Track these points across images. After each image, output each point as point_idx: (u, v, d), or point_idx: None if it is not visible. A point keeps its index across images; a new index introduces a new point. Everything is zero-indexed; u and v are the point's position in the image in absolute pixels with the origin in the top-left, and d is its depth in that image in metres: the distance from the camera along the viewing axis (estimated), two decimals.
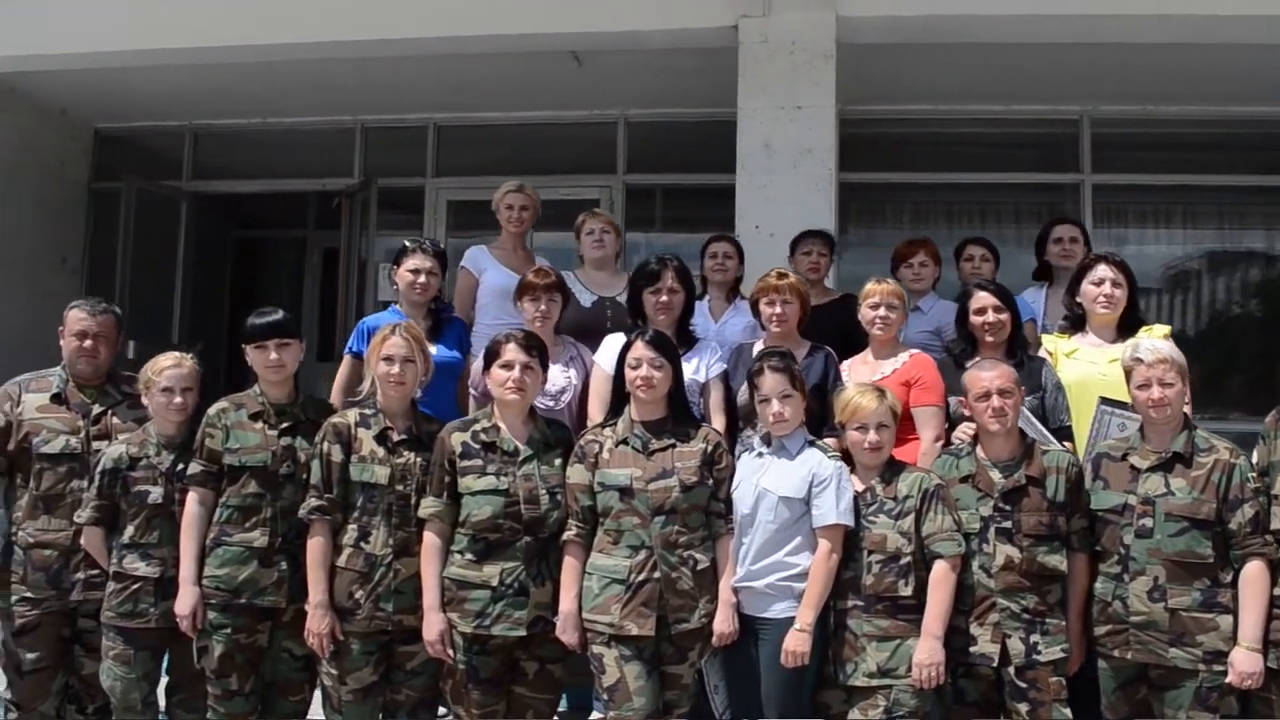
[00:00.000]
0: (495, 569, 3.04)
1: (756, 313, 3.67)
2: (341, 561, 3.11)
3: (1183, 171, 6.80)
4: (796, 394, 3.08)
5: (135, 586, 3.26)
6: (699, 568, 3.03)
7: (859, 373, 3.56)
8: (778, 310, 3.56)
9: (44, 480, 3.44)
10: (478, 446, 3.12)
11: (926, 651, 2.88)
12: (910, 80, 6.32)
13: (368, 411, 3.23)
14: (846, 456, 3.11)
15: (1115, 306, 3.62)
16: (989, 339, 3.55)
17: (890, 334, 3.59)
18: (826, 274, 4.50)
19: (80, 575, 3.40)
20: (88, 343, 3.53)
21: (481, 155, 7.31)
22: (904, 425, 3.29)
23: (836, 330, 3.84)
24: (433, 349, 3.50)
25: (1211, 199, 6.87)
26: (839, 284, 4.85)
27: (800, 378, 3.15)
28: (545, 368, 3.28)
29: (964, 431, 3.32)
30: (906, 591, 2.95)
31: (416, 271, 3.90)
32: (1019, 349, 3.58)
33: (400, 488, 3.14)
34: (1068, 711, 2.95)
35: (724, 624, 3.02)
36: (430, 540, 3.09)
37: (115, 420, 3.53)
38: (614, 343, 3.52)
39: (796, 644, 2.90)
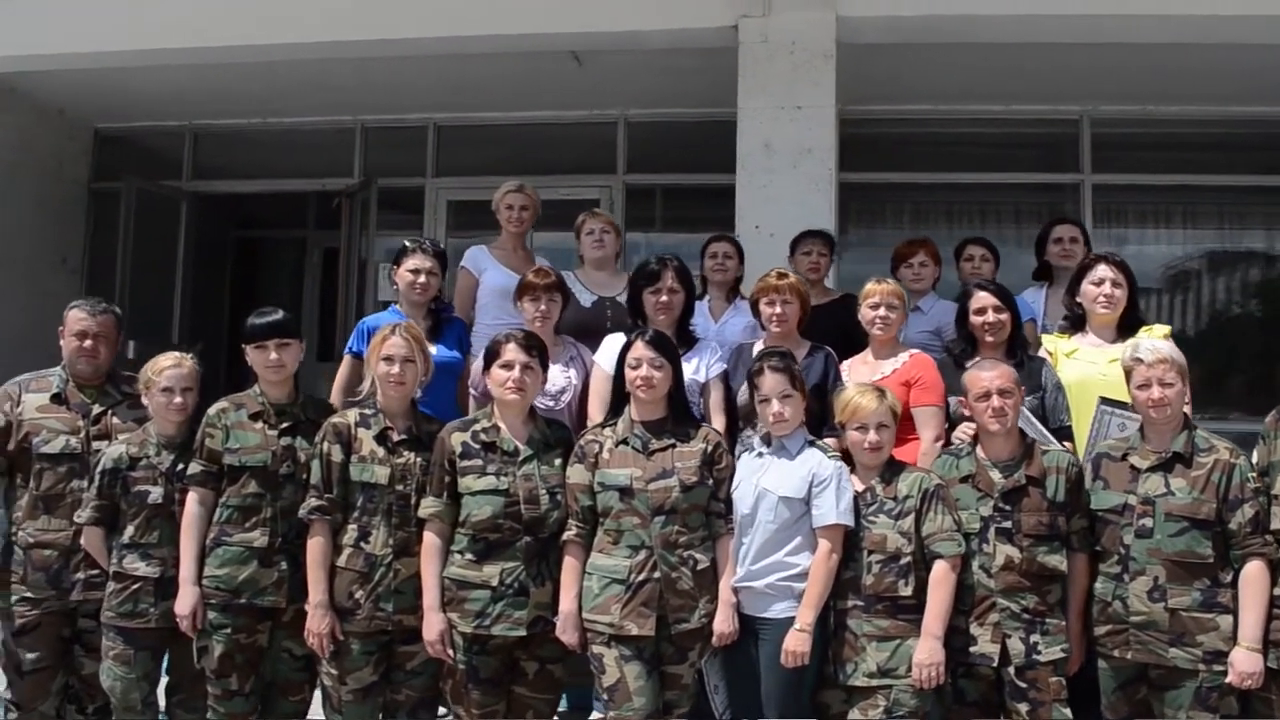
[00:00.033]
0: (495, 569, 3.04)
1: (756, 313, 3.67)
2: (341, 561, 3.11)
3: (1183, 171, 6.81)
4: (796, 394, 3.08)
5: (135, 586, 3.26)
6: (699, 568, 3.03)
7: (859, 373, 3.56)
8: (778, 310, 3.56)
9: (44, 480, 3.44)
10: (478, 446, 3.12)
11: (926, 651, 2.88)
12: (910, 80, 6.32)
13: (368, 411, 3.23)
14: (846, 456, 3.11)
15: (1115, 306, 3.63)
16: (989, 339, 3.55)
17: (890, 334, 3.59)
18: (826, 274, 4.50)
19: (80, 575, 3.40)
20: (88, 343, 3.52)
21: (481, 155, 7.31)
22: (904, 425, 3.29)
23: (836, 330, 3.84)
24: (433, 349, 3.50)
25: (1211, 199, 6.88)
26: (838, 284, 4.85)
27: (800, 378, 3.15)
28: (545, 368, 3.28)
29: (964, 431, 3.32)
30: (906, 591, 2.95)
31: (416, 271, 3.89)
32: (1019, 349, 3.59)
33: (400, 488, 3.14)
34: (1068, 711, 2.95)
35: (724, 624, 3.01)
36: (430, 540, 3.09)
37: (115, 420, 3.52)
38: (614, 343, 3.52)
39: (797, 644, 2.90)
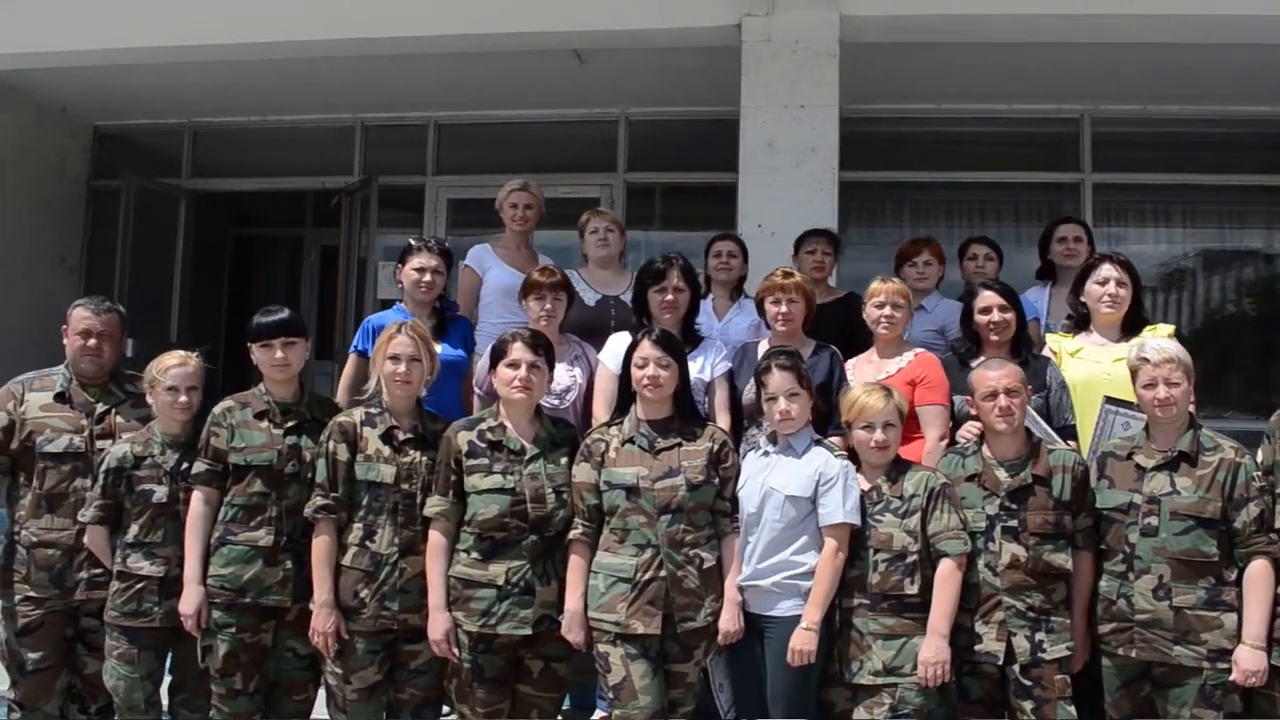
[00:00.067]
0: (501, 568, 3.04)
1: (762, 311, 3.67)
2: (347, 560, 3.11)
3: (1183, 171, 6.83)
4: (803, 392, 3.08)
5: (139, 586, 3.25)
6: (705, 566, 3.03)
7: (864, 371, 3.57)
8: (783, 309, 3.56)
9: (47, 479, 3.43)
10: (484, 445, 3.11)
11: (932, 650, 2.89)
12: (911, 79, 6.33)
13: (373, 410, 3.22)
14: (852, 455, 3.11)
15: (1120, 306, 3.64)
16: (994, 338, 3.56)
17: (895, 333, 3.59)
18: (831, 273, 4.51)
19: (83, 574, 3.38)
20: (92, 341, 3.51)
21: (482, 154, 7.32)
22: (909, 424, 3.29)
23: (839, 329, 3.84)
24: (438, 348, 3.49)
25: (1211, 198, 6.90)
26: (838, 283, 4.86)
27: (807, 376, 3.15)
28: (551, 367, 3.28)
29: (969, 430, 3.33)
30: (912, 590, 2.95)
31: (422, 270, 3.89)
32: (1024, 348, 3.59)
33: (406, 486, 3.14)
34: (1072, 709, 2.96)
35: (729, 622, 3.01)
36: (435, 539, 3.08)
37: (119, 419, 3.51)
38: (619, 342, 3.52)
39: (803, 642, 2.91)
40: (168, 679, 3.38)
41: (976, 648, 2.98)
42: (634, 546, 3.01)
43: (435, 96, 7.05)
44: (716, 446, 3.12)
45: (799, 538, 3.01)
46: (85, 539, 3.35)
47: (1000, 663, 2.97)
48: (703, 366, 3.62)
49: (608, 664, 3.00)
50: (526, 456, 3.12)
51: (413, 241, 4.01)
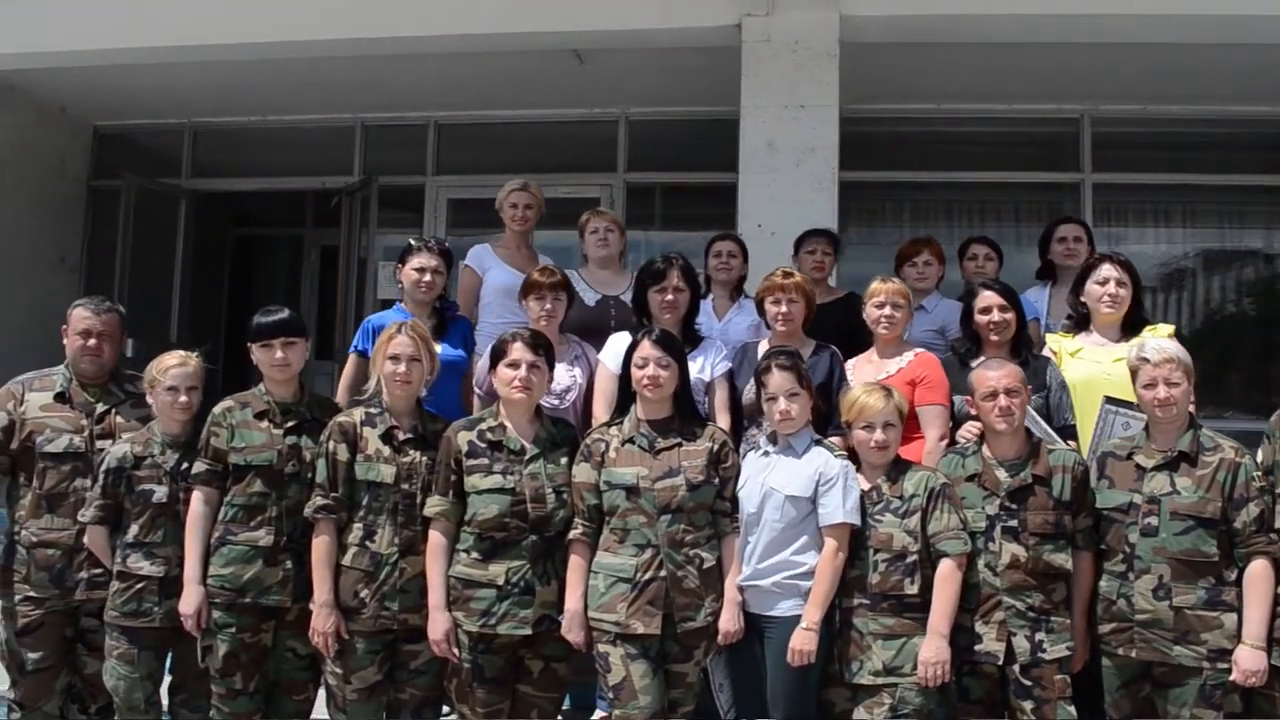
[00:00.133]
0: (501, 568, 3.04)
1: (762, 311, 3.67)
2: (347, 560, 3.11)
3: (1182, 171, 6.83)
4: (804, 392, 3.08)
5: (139, 586, 3.25)
6: (705, 566, 3.03)
7: (864, 372, 3.57)
8: (783, 309, 3.56)
9: (47, 479, 3.42)
10: (484, 445, 3.11)
11: (932, 650, 2.89)
12: (911, 79, 6.33)
13: (373, 410, 3.22)
14: (852, 455, 3.11)
15: (1120, 306, 3.64)
16: (994, 338, 3.56)
17: (895, 333, 3.59)
18: (831, 273, 4.51)
19: (83, 574, 3.38)
20: (92, 341, 3.51)
21: (482, 154, 7.32)
22: (909, 424, 3.29)
23: (839, 329, 3.84)
24: (438, 348, 3.49)
25: (1211, 198, 6.90)
26: (838, 283, 4.85)
27: (808, 376, 3.15)
28: (552, 367, 3.28)
29: (969, 430, 3.33)
30: (912, 590, 2.95)
31: (422, 270, 3.89)
32: (1024, 348, 3.59)
33: (406, 486, 3.13)
34: (1072, 709, 2.96)
35: (729, 622, 3.01)
36: (435, 539, 3.08)
37: (119, 419, 3.51)
38: (619, 342, 3.52)
39: (804, 642, 2.91)
40: (168, 679, 3.38)
41: (976, 648, 2.98)
42: (634, 546, 3.01)
43: (435, 96, 7.05)
44: (716, 446, 3.12)
45: (799, 538, 3.01)
46: (85, 539, 3.35)
47: (1000, 663, 2.97)
48: (703, 366, 3.62)
49: (608, 664, 3.00)
50: (526, 456, 3.12)
51: (413, 241, 4.01)
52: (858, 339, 3.75)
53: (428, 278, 3.89)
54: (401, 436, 3.19)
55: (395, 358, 3.19)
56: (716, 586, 3.04)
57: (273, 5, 5.97)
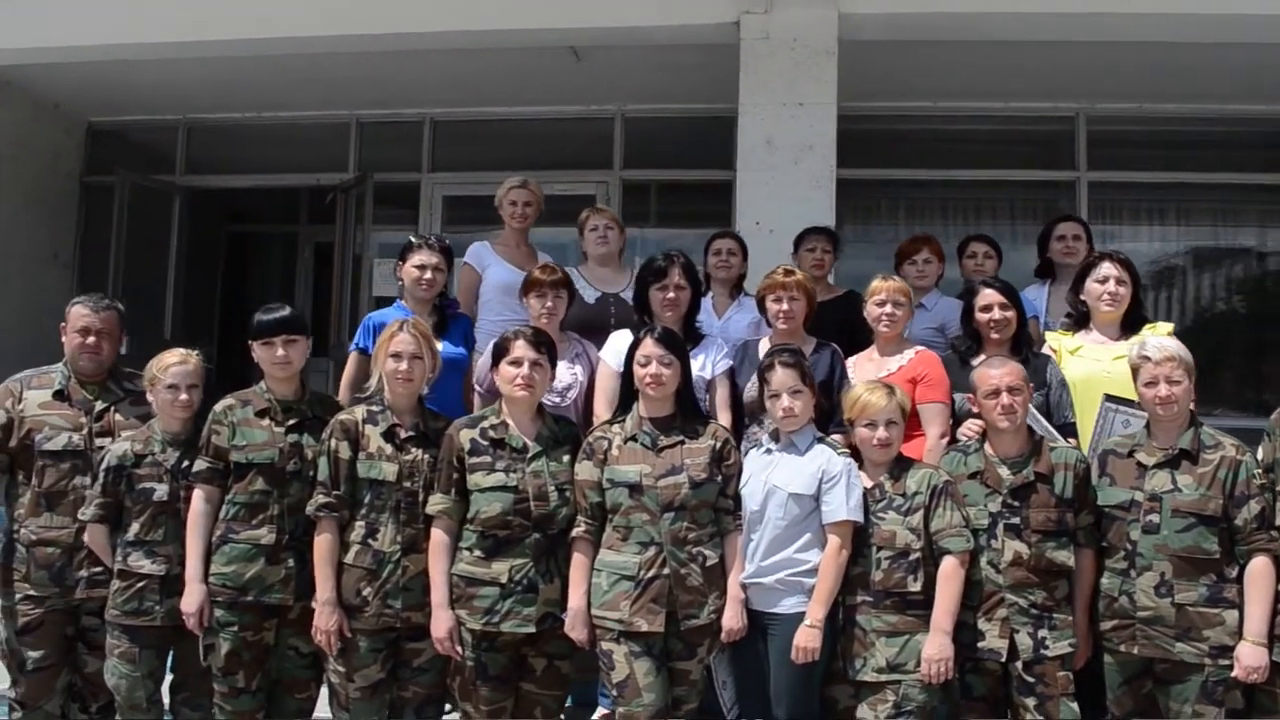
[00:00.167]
0: (504, 566, 3.03)
1: (763, 309, 3.67)
2: (349, 559, 3.10)
3: (1178, 169, 6.85)
4: (806, 390, 3.09)
5: (140, 584, 3.24)
6: (708, 564, 3.03)
7: (864, 370, 3.57)
8: (784, 307, 3.56)
9: (46, 477, 3.41)
10: (486, 443, 3.11)
11: (935, 647, 2.90)
12: (909, 77, 6.34)
13: (375, 408, 3.21)
14: (854, 453, 3.12)
15: (1119, 304, 3.65)
16: (994, 336, 3.57)
17: (896, 331, 3.60)
18: (830, 270, 4.51)
19: (84, 573, 3.37)
20: (90, 339, 3.49)
21: (478, 150, 7.30)
22: (910, 422, 3.29)
23: (838, 327, 3.85)
24: (439, 345, 3.48)
25: (1206, 196, 6.92)
26: (836, 281, 4.86)
27: (810, 373, 3.15)
28: (553, 364, 3.28)
29: (971, 428, 3.34)
30: (915, 587, 2.96)
31: (423, 267, 3.87)
32: (1024, 346, 3.60)
33: (408, 484, 3.13)
34: (1075, 706, 2.97)
35: (733, 620, 3.02)
36: (438, 537, 3.08)
37: (118, 417, 3.50)
38: (620, 339, 3.52)
39: (807, 640, 2.92)
40: (169, 677, 3.37)
41: (979, 645, 2.99)
42: (637, 544, 3.02)
43: (431, 93, 7.03)
44: (719, 444, 3.12)
45: (802, 535, 3.02)
46: (85, 537, 3.33)
47: (1003, 659, 2.98)
48: (704, 364, 3.62)
49: (611, 662, 3.01)
50: (529, 454, 3.11)
51: (413, 239, 4.00)
52: (857, 337, 3.75)
53: (428, 275, 3.87)
54: (403, 434, 3.18)
55: (397, 355, 3.19)
56: (720, 584, 3.05)
57: (272, 3, 5.95)
